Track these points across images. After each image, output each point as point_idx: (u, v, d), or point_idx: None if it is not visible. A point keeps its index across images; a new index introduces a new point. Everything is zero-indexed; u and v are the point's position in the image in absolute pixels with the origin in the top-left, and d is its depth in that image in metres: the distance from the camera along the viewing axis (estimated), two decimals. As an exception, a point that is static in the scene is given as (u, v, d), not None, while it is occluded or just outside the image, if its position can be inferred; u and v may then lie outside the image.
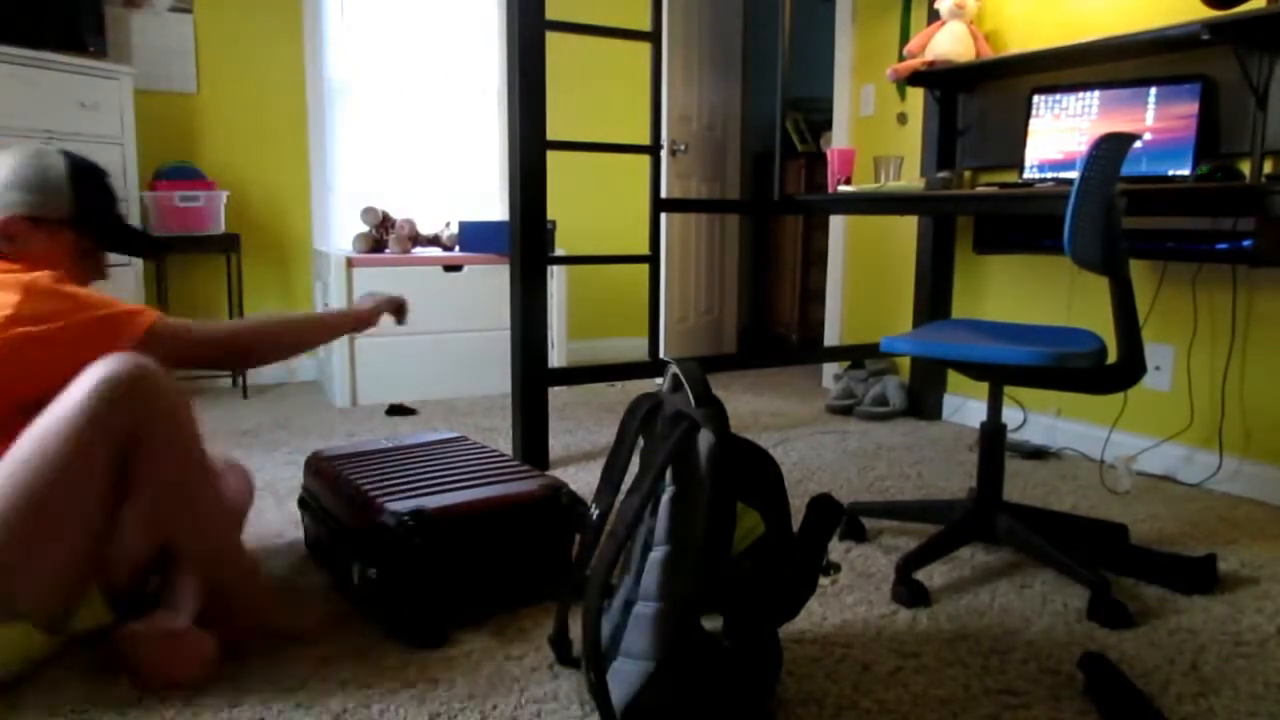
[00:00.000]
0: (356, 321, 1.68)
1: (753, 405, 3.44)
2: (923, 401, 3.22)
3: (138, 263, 3.21)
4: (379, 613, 1.56)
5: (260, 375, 3.82)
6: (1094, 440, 2.72)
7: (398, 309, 1.80)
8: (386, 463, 1.78)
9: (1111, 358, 1.67)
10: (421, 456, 1.82)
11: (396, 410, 3.27)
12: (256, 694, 1.31)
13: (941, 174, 2.61)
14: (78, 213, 1.46)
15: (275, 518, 2.08)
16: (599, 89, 4.41)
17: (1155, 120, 2.30)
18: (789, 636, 1.52)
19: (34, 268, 1.37)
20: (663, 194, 3.80)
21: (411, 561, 1.46)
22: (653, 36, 2.60)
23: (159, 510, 1.32)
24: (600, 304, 4.53)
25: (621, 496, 1.37)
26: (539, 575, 1.63)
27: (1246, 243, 2.21)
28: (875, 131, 3.47)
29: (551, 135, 4.20)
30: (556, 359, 3.79)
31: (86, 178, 1.48)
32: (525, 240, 2.43)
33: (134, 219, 3.20)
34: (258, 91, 3.72)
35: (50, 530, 1.23)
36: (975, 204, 2.34)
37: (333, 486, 1.70)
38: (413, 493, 1.59)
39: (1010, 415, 2.96)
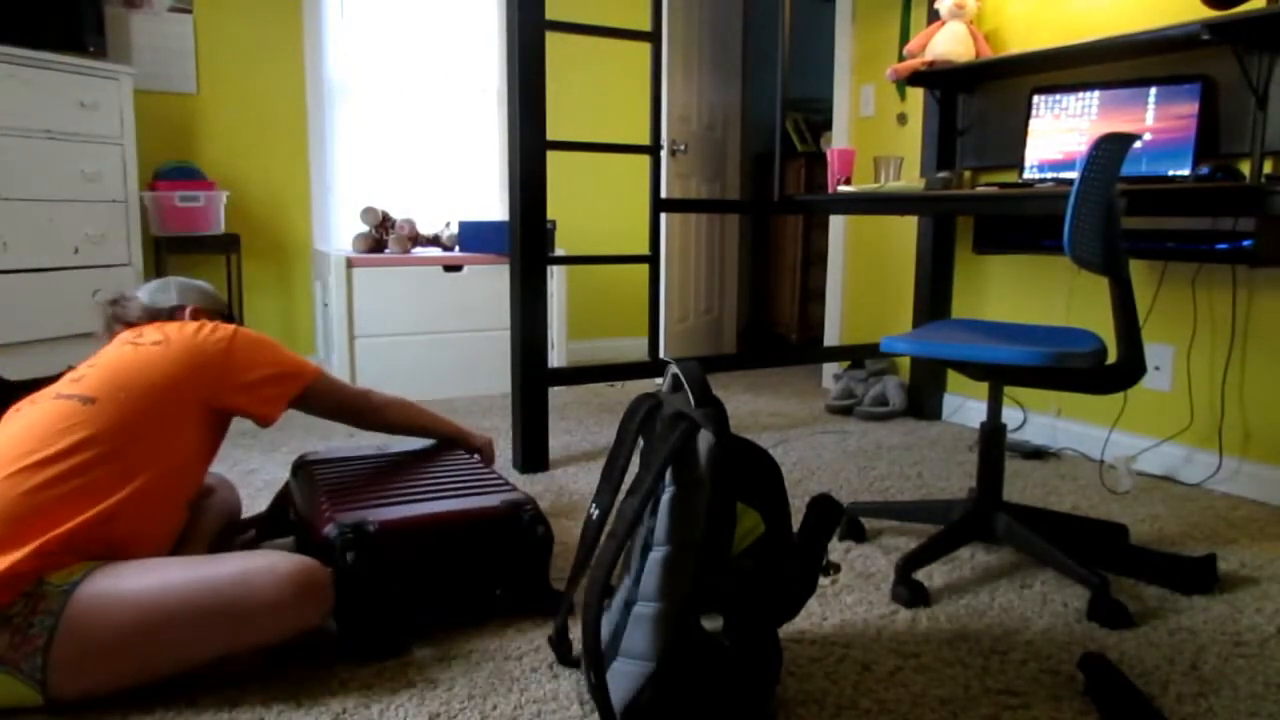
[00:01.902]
0: (468, 441, 2.00)
1: (753, 405, 3.44)
2: (923, 401, 3.22)
3: (137, 263, 3.21)
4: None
5: (260, 375, 3.81)
6: (1094, 440, 2.72)
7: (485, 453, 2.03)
8: (363, 470, 1.77)
9: (1111, 358, 1.67)
10: (401, 465, 1.80)
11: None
12: (256, 694, 1.31)
13: (941, 174, 2.61)
14: (228, 315, 1.90)
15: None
16: (599, 89, 4.41)
17: (1155, 120, 2.30)
18: (789, 636, 1.52)
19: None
20: (663, 194, 3.80)
21: (349, 575, 1.43)
22: (653, 36, 2.60)
23: None
24: (600, 304, 4.53)
25: (621, 497, 1.37)
26: (497, 592, 1.59)
27: (1246, 243, 2.21)
28: (875, 131, 3.47)
29: (551, 135, 4.20)
30: (556, 359, 3.79)
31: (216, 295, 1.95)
32: (525, 240, 2.43)
33: (134, 219, 3.20)
34: (258, 91, 3.72)
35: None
36: (975, 204, 2.34)
37: (307, 492, 1.70)
38: (370, 504, 1.57)
39: (1010, 415, 2.96)
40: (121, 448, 1.42)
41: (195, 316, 1.80)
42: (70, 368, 2.90)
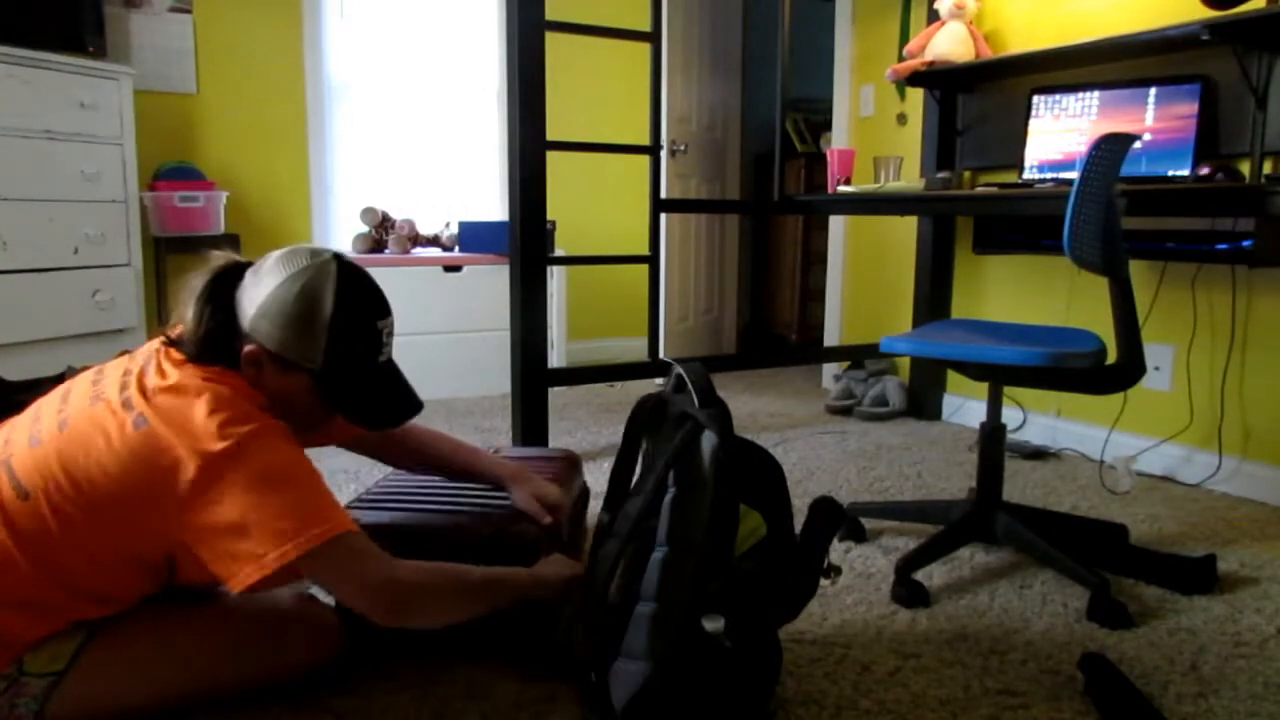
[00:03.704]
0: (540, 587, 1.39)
1: (753, 405, 3.44)
2: (922, 401, 3.22)
3: (136, 263, 3.21)
4: None
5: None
6: (1094, 440, 2.72)
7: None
8: (405, 480, 1.77)
9: (1111, 358, 1.67)
10: (437, 481, 1.75)
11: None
12: (256, 694, 1.31)
13: (941, 174, 2.62)
14: (323, 369, 1.27)
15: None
16: (599, 89, 4.41)
17: (1155, 120, 2.30)
18: (789, 636, 1.52)
19: (268, 401, 1.27)
20: (663, 194, 3.80)
21: None
22: (653, 36, 2.60)
23: None
24: (600, 304, 4.53)
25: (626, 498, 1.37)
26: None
27: (1246, 243, 2.21)
28: (875, 131, 3.47)
29: (551, 135, 4.18)
30: (556, 359, 3.79)
31: (350, 329, 1.27)
32: (525, 240, 2.43)
33: (134, 219, 3.19)
34: (258, 91, 3.72)
35: None
36: (975, 204, 2.34)
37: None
38: (377, 506, 1.60)
39: (1010, 415, 2.96)
40: (50, 568, 1.14)
41: (254, 362, 1.25)
42: (69, 370, 2.88)
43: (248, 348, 1.24)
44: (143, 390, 1.19)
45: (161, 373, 1.21)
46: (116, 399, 1.19)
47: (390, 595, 1.19)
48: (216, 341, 1.25)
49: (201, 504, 1.13)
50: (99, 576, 1.17)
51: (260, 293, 1.25)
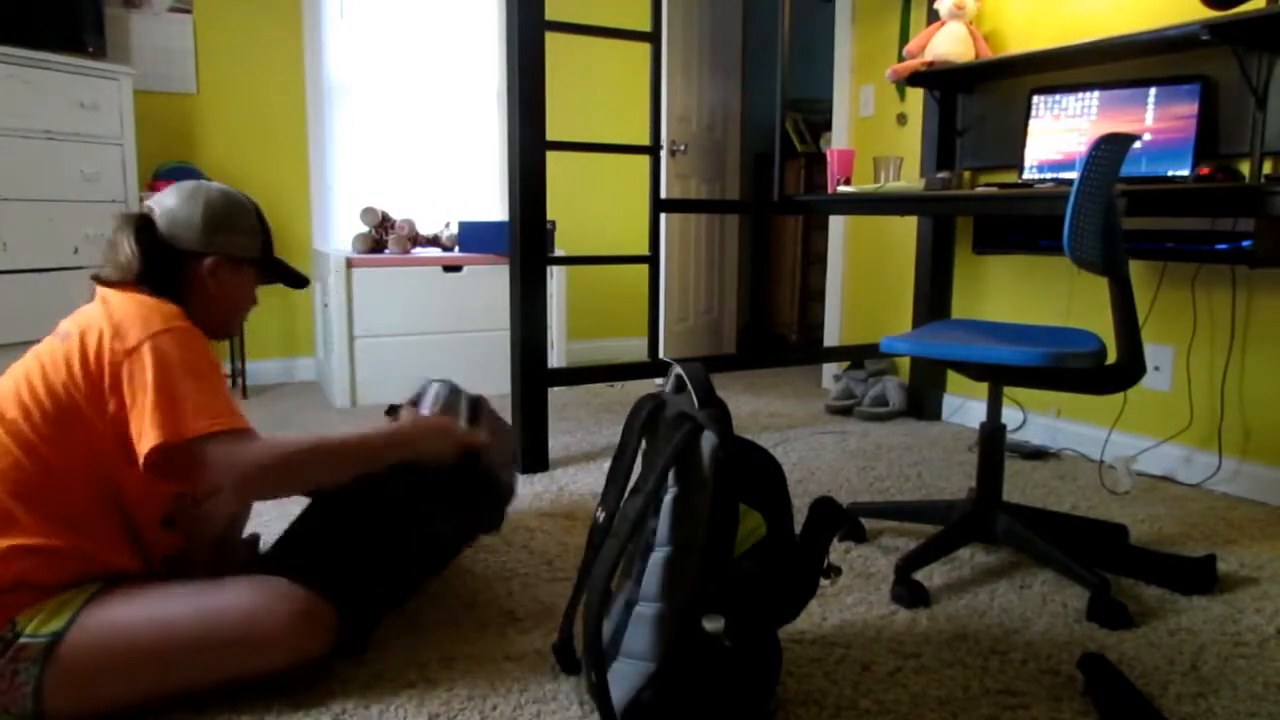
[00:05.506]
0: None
1: (752, 405, 3.44)
2: (922, 402, 3.22)
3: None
4: None
5: (260, 375, 3.82)
6: (1094, 440, 2.72)
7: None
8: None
9: (1111, 358, 1.67)
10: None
11: (396, 410, 3.26)
12: (257, 694, 1.31)
13: (941, 174, 2.61)
14: (261, 255, 1.54)
15: (273, 516, 2.08)
16: (599, 89, 4.41)
17: (1155, 121, 2.30)
18: (789, 636, 1.53)
19: (215, 306, 1.47)
20: (662, 194, 3.80)
21: None
22: (652, 37, 2.60)
23: None
24: (600, 304, 4.53)
25: (625, 498, 1.37)
26: (437, 527, 1.59)
27: (1246, 243, 2.21)
28: (875, 131, 3.47)
29: (551, 135, 4.20)
30: (556, 359, 3.79)
31: (261, 218, 1.56)
32: (525, 240, 2.43)
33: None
34: (258, 91, 3.72)
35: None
36: (975, 204, 2.34)
37: None
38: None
39: (1010, 415, 2.96)
40: (16, 484, 1.25)
41: (217, 273, 1.44)
42: None
43: (207, 261, 1.44)
44: (71, 318, 1.36)
45: (89, 300, 1.38)
46: (50, 335, 1.37)
47: (253, 480, 1.30)
48: (155, 269, 1.40)
49: (123, 384, 1.27)
50: (64, 494, 1.27)
51: (191, 217, 1.43)
